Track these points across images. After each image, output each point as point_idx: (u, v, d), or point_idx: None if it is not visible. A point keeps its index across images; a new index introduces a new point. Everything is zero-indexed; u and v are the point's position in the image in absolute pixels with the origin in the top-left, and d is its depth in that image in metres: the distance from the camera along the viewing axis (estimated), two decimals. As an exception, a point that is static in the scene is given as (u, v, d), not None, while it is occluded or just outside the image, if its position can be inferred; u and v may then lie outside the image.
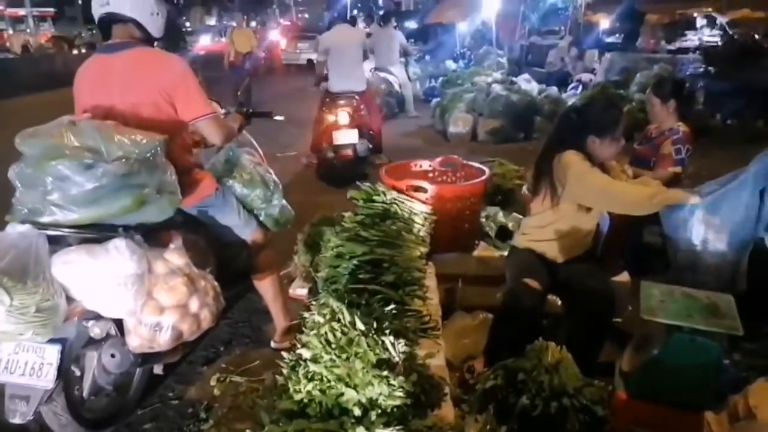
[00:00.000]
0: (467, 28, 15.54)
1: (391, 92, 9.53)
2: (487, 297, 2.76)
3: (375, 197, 2.67)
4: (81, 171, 1.81)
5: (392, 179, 2.89)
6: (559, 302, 2.58)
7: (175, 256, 1.98)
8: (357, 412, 1.40)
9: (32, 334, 1.69)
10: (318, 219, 3.35)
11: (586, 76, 10.03)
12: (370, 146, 6.00)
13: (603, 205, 2.42)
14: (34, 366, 1.78)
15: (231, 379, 2.54)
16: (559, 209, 2.43)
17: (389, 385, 1.44)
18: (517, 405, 1.81)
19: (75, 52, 18.61)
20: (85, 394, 2.07)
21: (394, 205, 2.63)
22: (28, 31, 24.65)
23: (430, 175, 3.28)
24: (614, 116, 2.39)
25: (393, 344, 1.57)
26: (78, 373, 2.04)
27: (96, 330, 1.96)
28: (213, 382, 2.51)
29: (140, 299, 1.83)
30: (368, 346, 1.53)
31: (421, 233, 2.59)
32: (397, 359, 1.55)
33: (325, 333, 1.57)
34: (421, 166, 3.32)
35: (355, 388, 1.43)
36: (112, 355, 2.06)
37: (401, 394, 1.43)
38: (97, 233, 1.89)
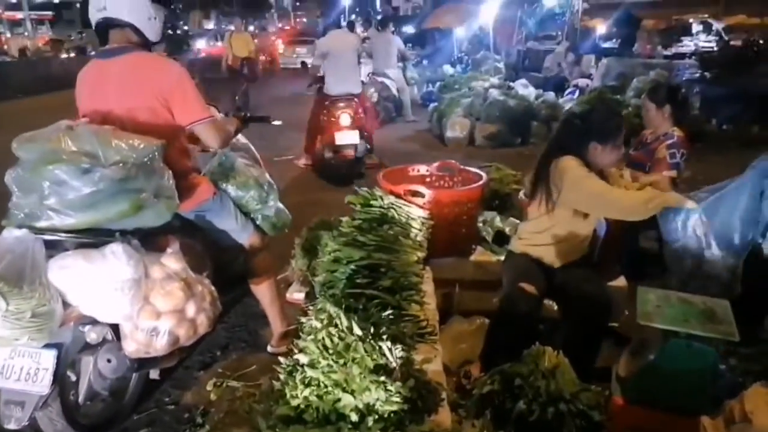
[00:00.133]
0: (465, 33, 15.59)
1: (388, 97, 9.56)
2: (484, 302, 2.76)
3: (372, 202, 2.67)
4: (78, 175, 1.80)
5: (390, 184, 2.89)
6: (556, 307, 2.58)
7: (172, 261, 1.97)
8: (354, 417, 1.40)
9: (28, 339, 1.68)
10: (315, 223, 3.35)
11: (582, 82, 10.05)
12: (368, 147, 6.27)
13: (598, 211, 2.43)
14: (29, 371, 1.78)
15: (228, 384, 2.53)
16: (556, 214, 2.43)
17: (386, 390, 1.44)
18: (514, 410, 1.81)
19: (64, 55, 18.54)
20: (80, 399, 2.06)
21: (392, 210, 2.63)
22: (26, 34, 24.65)
23: (428, 179, 3.28)
24: (617, 123, 2.40)
25: (390, 349, 1.57)
26: (74, 378, 2.03)
27: (92, 335, 1.95)
28: (209, 387, 2.50)
29: (137, 304, 1.83)
30: (365, 351, 1.53)
31: (419, 238, 2.59)
32: (394, 364, 1.54)
33: (323, 338, 1.57)
34: (418, 171, 3.32)
35: (352, 393, 1.43)
36: (108, 360, 2.05)
37: (398, 399, 1.43)
38: (93, 238, 1.89)
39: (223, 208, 2.44)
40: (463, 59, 14.29)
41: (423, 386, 1.61)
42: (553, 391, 1.80)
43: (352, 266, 2.23)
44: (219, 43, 19.14)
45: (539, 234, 2.51)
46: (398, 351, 1.60)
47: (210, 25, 37.02)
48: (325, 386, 1.45)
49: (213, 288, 2.15)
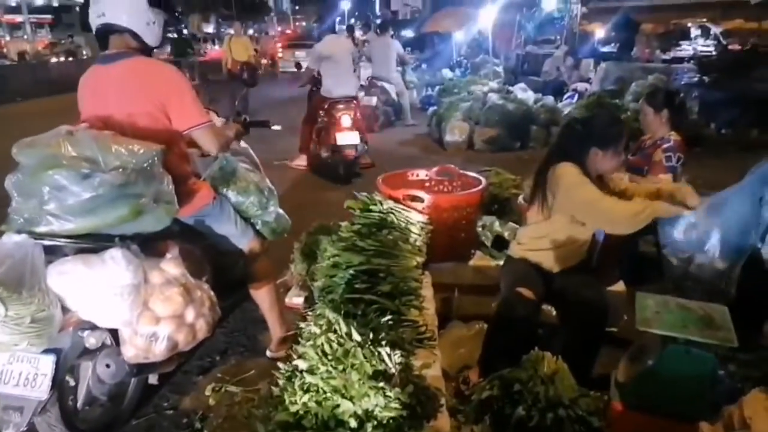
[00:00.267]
0: (464, 37, 15.63)
1: (387, 100, 9.58)
2: (483, 306, 2.76)
3: (372, 207, 2.67)
4: (78, 181, 1.81)
5: (389, 189, 2.90)
6: (554, 312, 2.58)
7: (171, 266, 1.97)
8: (353, 424, 1.40)
9: (27, 344, 1.69)
10: (314, 227, 3.35)
11: (581, 86, 10.07)
12: (366, 147, 6.48)
13: (589, 220, 2.40)
14: (28, 376, 1.77)
15: (226, 389, 2.53)
16: (553, 220, 2.44)
17: (385, 396, 1.44)
18: (513, 416, 1.81)
19: (54, 60, 18.51)
20: (79, 404, 2.06)
21: (391, 215, 2.63)
22: (25, 37, 24.66)
23: (427, 184, 3.29)
24: (618, 130, 2.41)
25: (389, 355, 1.57)
26: (72, 383, 2.03)
27: (91, 340, 1.95)
28: (208, 392, 2.50)
29: (136, 309, 1.83)
30: (364, 357, 1.53)
31: (418, 243, 2.59)
32: (393, 370, 1.55)
33: (322, 344, 1.57)
34: (417, 176, 3.33)
35: (351, 399, 1.43)
36: (107, 366, 2.05)
37: (397, 405, 1.43)
38: (93, 243, 1.89)
39: (223, 213, 2.44)
40: (462, 63, 14.32)
41: (422, 392, 1.61)
42: (552, 396, 1.80)
43: (351, 271, 2.23)
44: (216, 47, 19.21)
45: (538, 239, 2.51)
46: (397, 357, 1.60)
47: (209, 28, 37.03)
48: (324, 392, 1.45)
49: (212, 293, 2.15)
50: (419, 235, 2.63)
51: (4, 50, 22.94)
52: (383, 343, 1.63)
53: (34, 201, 1.84)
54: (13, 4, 23.68)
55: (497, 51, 14.00)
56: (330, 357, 1.53)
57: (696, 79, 9.70)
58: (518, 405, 1.81)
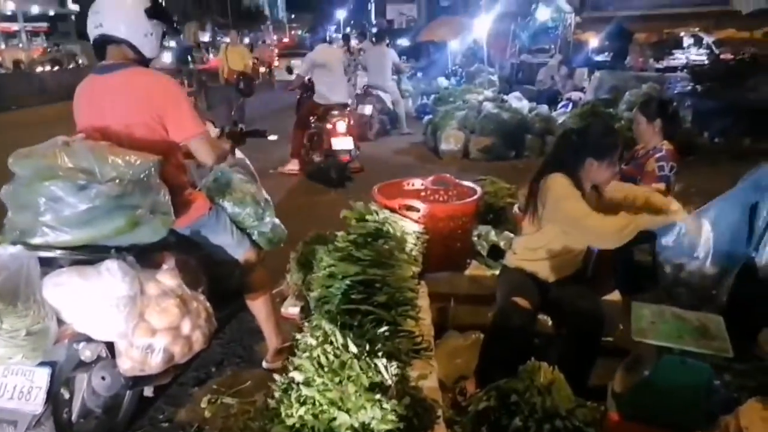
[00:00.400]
0: (459, 46, 15.72)
1: (383, 109, 9.61)
2: (479, 316, 2.77)
3: (368, 216, 2.68)
4: (74, 192, 1.80)
5: (385, 198, 2.90)
6: (550, 322, 2.59)
7: (167, 278, 1.97)
8: (350, 436, 1.40)
9: (22, 357, 1.67)
10: (311, 237, 3.35)
11: (575, 95, 10.13)
12: (358, 152, 6.76)
13: (575, 234, 2.40)
14: (22, 390, 1.76)
15: (222, 401, 2.51)
16: (547, 230, 2.44)
17: (382, 408, 1.44)
18: (510, 427, 1.80)
19: (40, 69, 18.42)
20: (74, 417, 2.04)
21: (387, 225, 2.64)
22: (21, 46, 24.64)
23: (423, 194, 3.30)
24: (613, 140, 2.42)
25: (386, 367, 1.58)
26: (67, 395, 2.01)
27: (87, 353, 1.94)
28: (204, 404, 2.49)
29: (132, 321, 1.82)
30: (361, 369, 1.53)
31: (414, 252, 2.60)
32: (389, 382, 1.55)
33: (318, 356, 1.57)
34: (413, 185, 3.34)
35: (347, 412, 1.43)
36: (103, 378, 2.04)
37: (394, 417, 1.43)
38: (89, 255, 1.88)
39: (219, 223, 2.44)
40: (457, 72, 14.40)
41: (418, 404, 1.62)
42: (549, 407, 1.80)
43: (347, 281, 2.24)
44: (211, 56, 19.27)
45: (533, 249, 2.52)
46: (394, 368, 1.60)
47: (205, 37, 37.11)
48: (321, 405, 1.45)
49: (208, 304, 2.15)
50: (415, 244, 2.64)
51: (0, 59, 22.91)
52: (380, 354, 1.63)
53: (30, 212, 1.83)
54: (9, 13, 23.65)
55: (492, 60, 14.06)
56: (326, 369, 1.53)
57: (689, 88, 9.78)
58: (515, 416, 1.81)
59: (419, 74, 14.88)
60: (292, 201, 5.89)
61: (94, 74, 2.28)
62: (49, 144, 1.92)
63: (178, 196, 2.21)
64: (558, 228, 2.42)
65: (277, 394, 1.58)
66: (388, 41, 10.67)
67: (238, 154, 2.79)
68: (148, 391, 2.27)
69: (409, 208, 2.83)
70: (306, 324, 1.92)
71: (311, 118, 6.77)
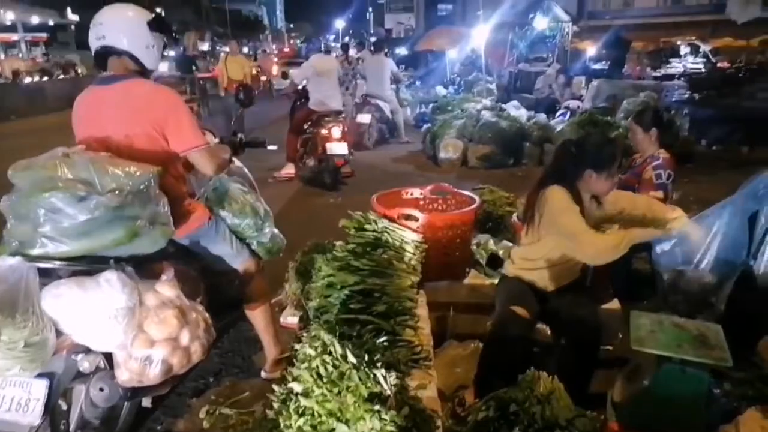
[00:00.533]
0: (457, 55, 15.81)
1: (382, 118, 9.65)
2: (479, 325, 2.76)
3: (366, 226, 2.68)
4: (74, 203, 1.80)
5: (383, 208, 2.91)
6: (549, 331, 2.59)
7: (166, 288, 1.97)
8: (349, 447, 1.40)
9: (20, 369, 1.66)
10: (309, 246, 3.35)
11: (573, 103, 10.18)
12: (351, 157, 7.05)
13: (569, 250, 2.40)
14: (20, 401, 1.75)
15: (220, 412, 2.50)
16: (545, 241, 2.45)
17: (381, 419, 1.43)
18: (509, 437, 1.80)
19: (28, 80, 18.38)
20: (71, 428, 2.03)
21: (386, 234, 2.65)
22: (20, 56, 24.70)
23: (421, 203, 3.30)
24: (612, 152, 2.42)
25: (385, 377, 1.57)
26: (65, 407, 2.00)
27: (85, 364, 1.93)
28: (202, 415, 2.47)
29: (131, 332, 1.81)
30: (360, 379, 1.53)
31: (413, 262, 2.60)
32: (388, 392, 1.54)
33: (316, 366, 1.57)
34: (411, 194, 3.35)
35: (346, 423, 1.43)
36: (101, 389, 2.03)
37: (393, 428, 1.43)
38: (88, 265, 1.88)
39: (218, 233, 2.44)
40: (456, 81, 14.48)
41: (418, 414, 1.61)
42: (549, 417, 1.79)
43: (346, 291, 2.24)
44: (210, 66, 19.37)
45: (532, 259, 2.52)
46: (393, 378, 1.59)
47: (204, 46, 37.26)
48: (320, 416, 1.45)
49: (207, 315, 2.14)
50: (414, 254, 2.64)
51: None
52: (378, 364, 1.63)
53: (29, 223, 1.83)
54: (9, 23, 23.73)
55: (490, 69, 14.13)
56: (325, 379, 1.53)
57: (686, 96, 9.85)
58: (514, 426, 1.80)
59: (418, 83, 14.97)
60: (290, 208, 5.94)
61: (94, 85, 2.29)
62: (48, 155, 1.92)
63: (178, 206, 2.21)
64: (555, 239, 2.42)
65: (275, 405, 1.57)
66: (386, 50, 10.72)
67: (237, 162, 2.80)
68: (146, 402, 2.26)
69: (408, 217, 2.83)
70: (305, 334, 1.92)
71: (306, 124, 7.01)
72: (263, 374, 2.77)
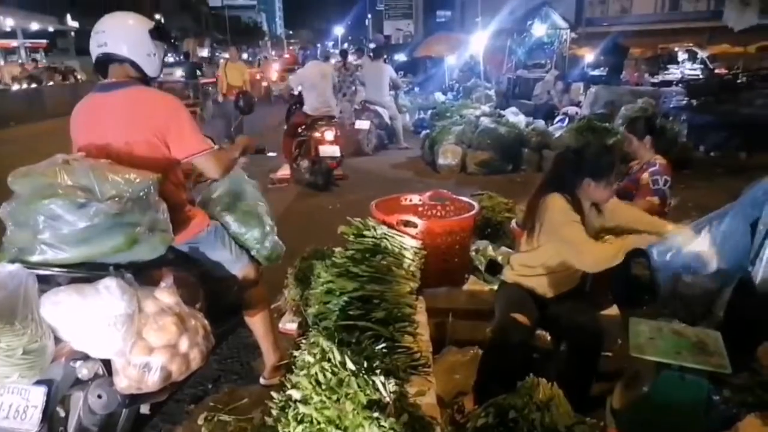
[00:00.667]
0: (456, 62, 15.86)
1: (381, 124, 9.67)
2: (478, 331, 2.76)
3: (365, 232, 2.69)
4: (73, 210, 1.80)
5: (382, 214, 2.91)
6: (548, 337, 2.59)
7: (165, 295, 1.96)
8: (348, 455, 1.39)
9: (18, 376, 1.66)
10: (308, 252, 3.35)
11: (572, 109, 10.20)
12: (342, 160, 7.26)
13: (568, 258, 2.41)
14: (18, 409, 1.74)
15: (219, 418, 2.49)
16: (542, 250, 2.45)
17: (380, 426, 1.43)
18: (508, 444, 1.80)
19: (17, 86, 18.36)
20: (69, 435, 2.02)
21: (385, 240, 2.65)
22: (20, 62, 24.75)
23: (420, 209, 3.31)
24: (610, 161, 2.44)
25: (384, 384, 1.57)
26: (63, 414, 1.99)
27: (83, 371, 1.92)
28: (201, 422, 2.46)
29: (130, 339, 1.81)
30: (359, 386, 1.53)
31: (412, 268, 2.60)
32: (387, 399, 1.54)
33: (315, 373, 1.57)
34: (410, 201, 3.35)
35: (345, 430, 1.43)
36: (99, 396, 2.02)
37: (392, 436, 1.43)
38: (87, 272, 1.87)
39: (217, 239, 2.44)
40: (455, 87, 14.52)
41: (417, 421, 1.61)
42: (548, 424, 1.79)
43: (345, 297, 2.24)
44: (216, 72, 19.46)
45: (531, 266, 2.53)
46: (392, 385, 1.59)
47: (204, 52, 37.36)
48: (318, 423, 1.45)
49: (206, 322, 2.14)
50: (413, 260, 2.64)
51: (-1, 75, 22.95)
52: (377, 371, 1.62)
53: (29, 230, 1.83)
54: (8, 29, 23.79)
55: (489, 75, 14.20)
56: (324, 386, 1.53)
57: (684, 102, 9.87)
58: (514, 433, 1.80)
59: (416, 89, 14.99)
60: (289, 214, 5.96)
61: (95, 92, 2.29)
62: (48, 162, 1.92)
63: (177, 213, 2.21)
64: (555, 247, 2.43)
65: (274, 412, 1.57)
66: (385, 57, 10.75)
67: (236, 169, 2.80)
68: (144, 409, 2.25)
69: (407, 223, 2.84)
70: (304, 341, 1.91)
71: (300, 127, 7.21)
72: (262, 381, 2.77)
